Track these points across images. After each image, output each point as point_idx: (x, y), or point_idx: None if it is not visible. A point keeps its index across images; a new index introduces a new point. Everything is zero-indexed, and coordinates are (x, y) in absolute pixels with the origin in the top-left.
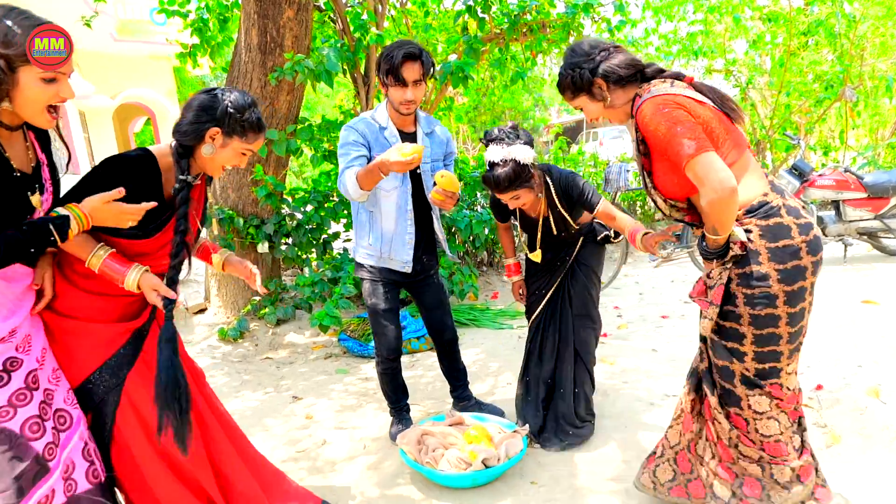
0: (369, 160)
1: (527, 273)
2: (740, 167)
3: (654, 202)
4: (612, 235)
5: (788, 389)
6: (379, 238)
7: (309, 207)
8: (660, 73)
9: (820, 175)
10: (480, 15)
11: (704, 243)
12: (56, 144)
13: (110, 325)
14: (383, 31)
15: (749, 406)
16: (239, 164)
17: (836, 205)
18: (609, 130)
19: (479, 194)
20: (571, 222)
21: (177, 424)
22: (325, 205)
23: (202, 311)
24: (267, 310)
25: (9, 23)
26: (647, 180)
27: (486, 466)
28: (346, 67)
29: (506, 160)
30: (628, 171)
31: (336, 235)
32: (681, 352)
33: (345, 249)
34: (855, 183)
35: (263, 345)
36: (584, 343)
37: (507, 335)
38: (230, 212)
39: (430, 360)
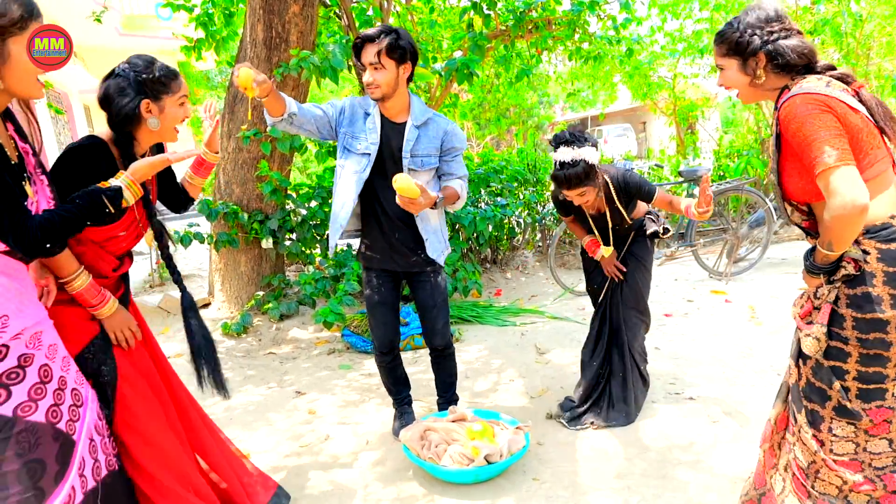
0: (345, 145)
1: (583, 257)
2: (877, 185)
3: (780, 202)
4: (661, 231)
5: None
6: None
7: (313, 203)
8: (829, 70)
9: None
10: (486, 12)
11: (812, 257)
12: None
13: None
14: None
15: (830, 429)
16: (185, 115)
17: None
18: (613, 128)
19: (482, 191)
20: (626, 216)
21: (215, 376)
22: (330, 201)
23: (206, 305)
24: (270, 305)
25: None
26: (775, 178)
27: (489, 462)
28: (351, 63)
29: (575, 161)
30: (631, 169)
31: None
32: (683, 350)
33: (349, 245)
34: None
35: (267, 340)
36: (634, 334)
37: (511, 332)
38: (234, 207)
39: None
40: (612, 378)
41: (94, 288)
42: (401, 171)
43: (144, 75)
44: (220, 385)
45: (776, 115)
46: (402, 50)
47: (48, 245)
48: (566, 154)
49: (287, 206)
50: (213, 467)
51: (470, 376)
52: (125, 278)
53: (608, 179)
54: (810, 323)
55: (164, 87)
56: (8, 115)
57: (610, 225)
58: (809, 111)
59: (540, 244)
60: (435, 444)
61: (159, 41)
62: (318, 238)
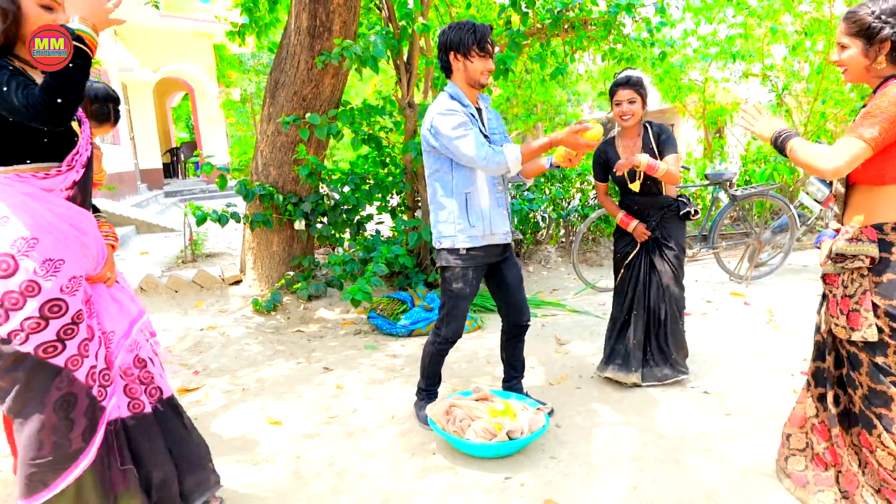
0: None
1: (616, 234)
2: None
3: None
4: (692, 213)
5: None
6: (479, 217)
7: (346, 189)
8: None
9: None
10: (524, 10)
11: (783, 138)
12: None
13: None
14: (431, 18)
15: None
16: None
17: None
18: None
19: (510, 185)
20: (658, 167)
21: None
22: (362, 187)
23: (237, 282)
24: (300, 285)
25: None
26: None
27: (511, 438)
28: (389, 54)
29: (636, 75)
30: None
31: (370, 217)
32: (700, 348)
33: (377, 231)
34: None
35: (295, 318)
36: (676, 299)
37: (532, 323)
38: (271, 188)
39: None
40: (654, 325)
41: None
42: None
43: None
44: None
45: (877, 93)
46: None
47: (59, 100)
48: (630, 72)
49: (321, 190)
50: None
51: (492, 362)
52: None
53: (648, 124)
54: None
55: None
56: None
57: (639, 178)
58: (895, 98)
59: (563, 240)
60: (459, 419)
61: (197, 23)
62: (349, 222)
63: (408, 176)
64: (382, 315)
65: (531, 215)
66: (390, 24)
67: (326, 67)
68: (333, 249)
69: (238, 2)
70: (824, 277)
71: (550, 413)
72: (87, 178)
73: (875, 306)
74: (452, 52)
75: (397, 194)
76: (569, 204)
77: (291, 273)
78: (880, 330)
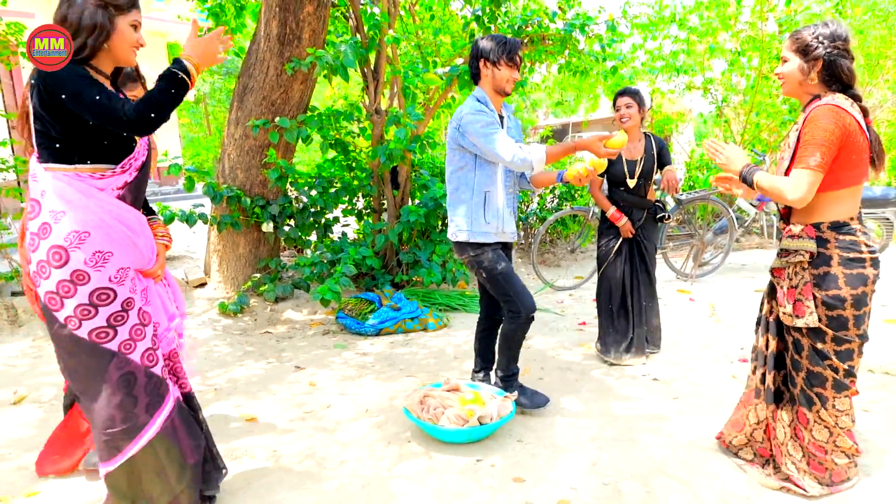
0: None
1: (600, 230)
2: (850, 193)
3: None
4: (666, 216)
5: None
6: (495, 215)
7: (313, 192)
8: (857, 99)
9: None
10: (487, 24)
11: (752, 175)
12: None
13: None
14: (396, 29)
15: (834, 406)
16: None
17: None
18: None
19: None
20: (651, 182)
21: None
22: (329, 190)
23: (202, 285)
24: (267, 287)
25: None
26: (785, 165)
27: (481, 424)
28: (357, 63)
29: (634, 87)
30: None
31: (336, 220)
32: None
33: (343, 234)
34: None
35: (262, 320)
36: (651, 290)
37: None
38: (238, 191)
39: (423, 339)
40: (643, 313)
41: None
42: None
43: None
44: None
45: (806, 114)
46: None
47: (152, 115)
48: (630, 86)
49: (289, 193)
50: None
51: (459, 357)
52: None
53: (650, 136)
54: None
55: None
56: (116, 81)
57: (638, 171)
58: (828, 120)
59: (522, 242)
60: (433, 408)
61: (151, 22)
62: (316, 225)
63: (375, 180)
64: (351, 315)
65: None
66: (358, 34)
67: (296, 74)
68: (300, 252)
69: (205, 7)
70: (772, 271)
71: (517, 401)
72: (140, 180)
73: (814, 297)
74: (483, 60)
75: (363, 197)
76: (528, 207)
77: (258, 275)
78: (819, 318)
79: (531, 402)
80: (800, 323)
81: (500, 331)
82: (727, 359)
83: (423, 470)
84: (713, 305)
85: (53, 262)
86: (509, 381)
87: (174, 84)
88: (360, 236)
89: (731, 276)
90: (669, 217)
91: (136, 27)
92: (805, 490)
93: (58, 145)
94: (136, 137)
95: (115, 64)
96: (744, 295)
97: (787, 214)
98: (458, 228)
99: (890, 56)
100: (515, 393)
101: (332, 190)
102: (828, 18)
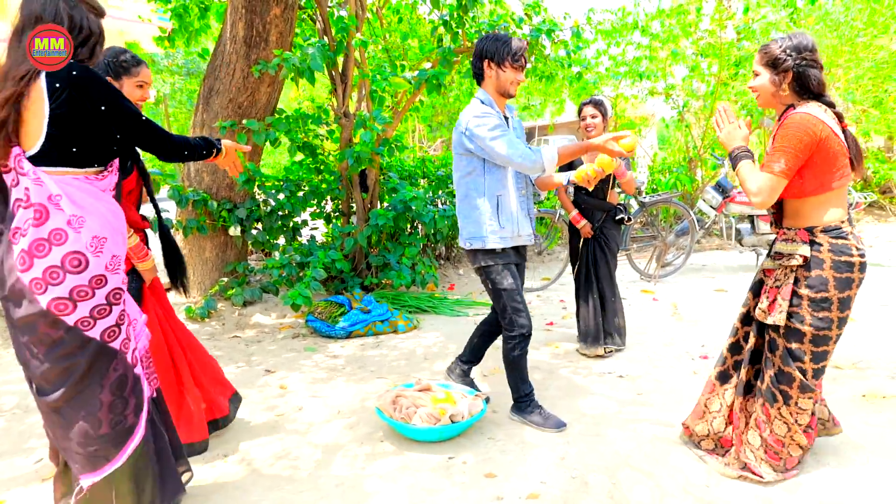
0: None
1: (570, 230)
2: (836, 196)
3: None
4: (626, 218)
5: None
6: (508, 219)
7: (281, 195)
8: (830, 105)
9: (739, 192)
10: (455, 29)
11: (736, 163)
12: None
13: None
14: (364, 32)
15: (797, 404)
16: (144, 96)
17: (751, 219)
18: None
19: (441, 192)
20: (610, 185)
21: (182, 281)
22: (297, 193)
23: (168, 290)
24: (234, 291)
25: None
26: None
27: (453, 422)
28: (325, 65)
29: (599, 98)
30: None
31: (304, 223)
32: None
33: (312, 237)
34: None
35: (231, 324)
36: (612, 289)
37: (464, 322)
38: (204, 194)
39: (393, 341)
40: (605, 307)
41: (140, 245)
42: None
43: (111, 59)
44: (185, 286)
45: (779, 122)
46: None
47: (185, 153)
48: (596, 96)
49: (257, 196)
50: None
51: (429, 358)
52: (145, 235)
53: None
54: (773, 303)
55: (123, 70)
56: None
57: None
58: (798, 128)
59: None
60: (405, 408)
61: (110, 20)
62: (285, 228)
63: (343, 183)
64: (321, 318)
65: None
66: (325, 37)
67: (263, 76)
68: (267, 255)
69: (168, 8)
70: (764, 271)
71: (487, 400)
72: (120, 181)
73: (799, 296)
74: (487, 61)
75: (332, 201)
76: None
77: (226, 279)
78: (790, 316)
79: (545, 422)
80: (770, 320)
81: (502, 352)
82: (689, 356)
83: (397, 468)
84: (675, 305)
85: (70, 268)
86: (521, 403)
87: (206, 148)
88: (329, 240)
89: (693, 276)
90: (630, 219)
91: (142, 87)
92: (761, 476)
93: (74, 150)
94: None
95: None
96: (704, 294)
97: (778, 218)
98: (472, 236)
99: (840, 64)
100: (486, 392)
101: (301, 193)
102: (795, 31)
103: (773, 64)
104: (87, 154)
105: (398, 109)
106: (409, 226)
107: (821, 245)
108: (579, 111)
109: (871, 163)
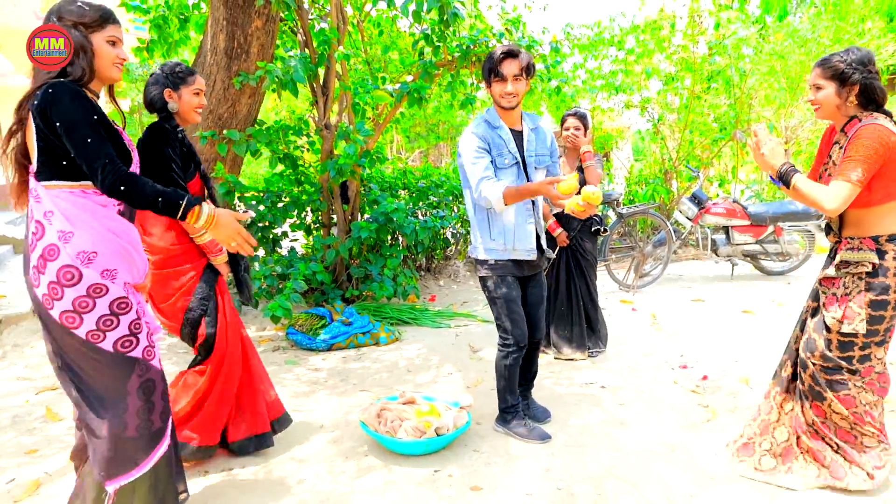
0: (492, 161)
1: (547, 238)
2: None
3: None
4: (602, 229)
5: (876, 372)
6: (501, 232)
7: (262, 207)
8: (889, 114)
9: (714, 203)
10: (436, 43)
11: (792, 178)
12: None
13: (196, 261)
14: (345, 45)
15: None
16: (201, 103)
17: (726, 230)
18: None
19: (422, 203)
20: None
21: (247, 291)
22: (277, 205)
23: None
24: None
25: (78, 2)
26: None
27: (438, 435)
28: (306, 77)
29: (582, 111)
30: None
31: (284, 234)
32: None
33: (292, 248)
34: (741, 212)
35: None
36: (590, 297)
37: (446, 333)
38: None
39: (375, 353)
40: (582, 313)
41: (213, 242)
42: (527, 172)
43: (168, 71)
44: (251, 296)
45: (844, 133)
46: (533, 68)
47: (122, 190)
48: (579, 108)
49: (237, 208)
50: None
51: (412, 370)
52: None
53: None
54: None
55: (181, 80)
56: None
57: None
58: (873, 138)
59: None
60: (390, 421)
61: None
62: (265, 239)
63: (324, 194)
64: (301, 331)
65: (441, 232)
66: (307, 49)
67: (243, 88)
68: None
69: (148, 18)
70: (821, 280)
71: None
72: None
73: (863, 300)
74: (485, 80)
75: (312, 212)
76: None
77: None
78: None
79: (529, 434)
80: (847, 328)
81: (494, 361)
82: (668, 365)
83: (383, 483)
84: (654, 315)
85: (65, 282)
86: (507, 415)
87: (167, 203)
88: (310, 251)
89: (670, 286)
90: (606, 230)
91: (114, 43)
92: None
93: (64, 163)
94: (133, 156)
95: (102, 83)
96: (682, 304)
97: (838, 227)
98: (473, 245)
99: (807, 79)
100: (471, 404)
101: (281, 204)
102: (852, 46)
103: (840, 77)
104: (77, 167)
105: (379, 122)
106: (389, 237)
107: (886, 253)
108: (562, 121)
109: None
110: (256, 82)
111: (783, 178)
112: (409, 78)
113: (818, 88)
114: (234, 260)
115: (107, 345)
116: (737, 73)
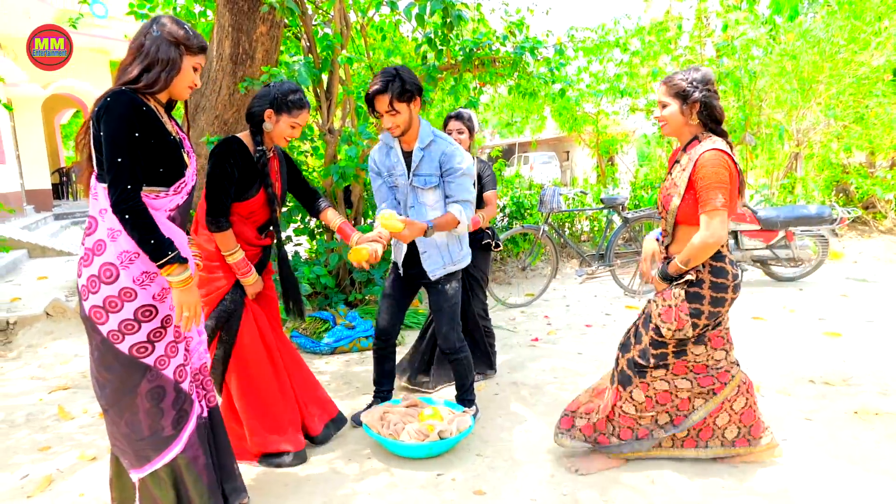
0: (386, 181)
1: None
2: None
3: (668, 220)
4: (493, 244)
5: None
6: (395, 241)
7: None
8: (723, 134)
9: None
10: (439, 47)
11: (667, 269)
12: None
13: (229, 275)
14: (348, 50)
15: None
16: (293, 135)
17: (734, 235)
18: (539, 156)
19: None
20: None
21: (297, 307)
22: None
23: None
24: None
25: (187, 28)
26: (677, 202)
27: (441, 438)
28: (310, 82)
29: (466, 112)
30: (561, 194)
31: (288, 239)
32: (602, 355)
33: (296, 252)
34: (751, 217)
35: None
36: (477, 314)
37: None
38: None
39: None
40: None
41: (244, 262)
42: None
43: (280, 95)
44: (301, 312)
45: (688, 156)
46: (410, 92)
47: (126, 217)
48: (462, 109)
49: None
50: (295, 393)
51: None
52: (267, 251)
53: (479, 160)
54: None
55: (287, 108)
56: (167, 109)
57: None
58: (719, 164)
59: None
60: (393, 424)
61: (93, 39)
62: None
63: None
64: (305, 334)
65: None
66: (310, 54)
67: (249, 93)
68: None
69: (136, 14)
70: (657, 293)
71: (475, 415)
72: (189, 203)
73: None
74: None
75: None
76: None
77: None
78: (694, 326)
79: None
80: (679, 335)
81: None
82: None
83: (385, 486)
84: None
85: (104, 279)
86: (470, 398)
87: (155, 249)
88: (314, 255)
89: None
90: (498, 245)
91: (196, 70)
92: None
93: None
94: (188, 163)
95: (170, 97)
96: None
97: (668, 245)
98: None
99: (821, 80)
100: (474, 408)
101: (285, 209)
102: (694, 65)
103: (683, 95)
104: None
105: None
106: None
107: (703, 267)
108: (445, 124)
109: (853, 178)
110: (261, 87)
111: (671, 273)
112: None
113: (664, 105)
114: (287, 289)
115: (123, 347)
116: (746, 74)
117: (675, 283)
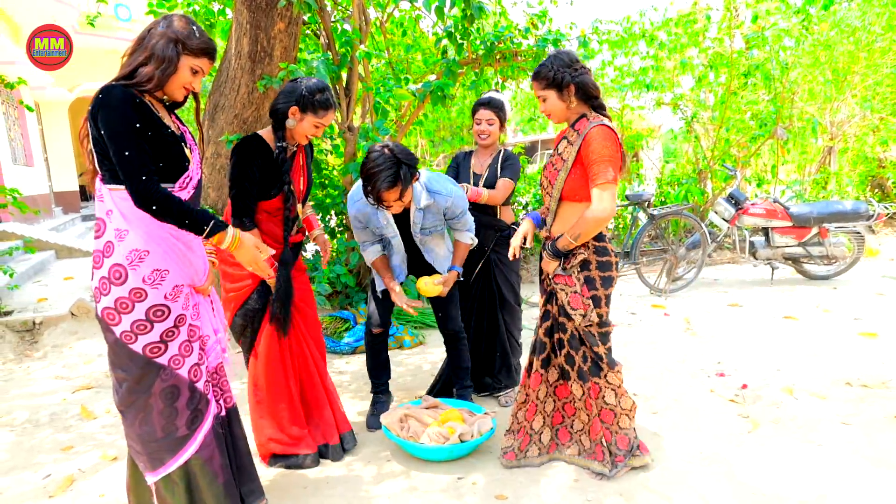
0: (374, 232)
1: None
2: None
3: (554, 197)
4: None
5: None
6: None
7: None
8: (601, 108)
9: (753, 204)
10: (459, 41)
11: (556, 244)
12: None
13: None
14: (367, 46)
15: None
16: (316, 134)
17: (765, 232)
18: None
19: None
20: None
21: (280, 318)
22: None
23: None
24: None
25: (194, 28)
26: (563, 177)
27: (462, 441)
28: (329, 79)
29: (498, 98)
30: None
31: (307, 239)
32: (628, 355)
33: (317, 252)
34: (782, 213)
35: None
36: (512, 314)
37: None
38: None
39: (399, 357)
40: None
41: (269, 261)
42: (408, 236)
43: (306, 93)
44: (282, 328)
45: (576, 133)
46: (407, 182)
47: (153, 209)
48: (493, 94)
49: None
50: (310, 402)
51: (435, 374)
52: (298, 248)
53: (503, 150)
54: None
55: (312, 108)
56: (171, 108)
57: (481, 185)
58: (607, 138)
59: None
60: (413, 426)
61: (117, 42)
62: None
63: (348, 197)
64: (325, 334)
65: None
66: (329, 51)
67: (267, 91)
68: None
69: (155, 13)
70: (555, 278)
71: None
72: (196, 197)
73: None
74: None
75: (336, 215)
76: None
77: None
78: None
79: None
80: (585, 322)
81: None
82: (704, 372)
83: (404, 489)
84: (688, 320)
85: (114, 280)
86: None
87: (194, 223)
88: (334, 254)
89: (705, 290)
90: (528, 244)
91: (195, 72)
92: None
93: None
94: (189, 157)
95: (166, 97)
96: (718, 309)
97: (551, 224)
98: None
99: (857, 71)
100: (496, 411)
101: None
102: (552, 50)
103: (554, 84)
104: None
105: (402, 123)
106: None
107: (585, 246)
108: (473, 111)
109: (890, 172)
110: (280, 85)
111: (560, 248)
112: (433, 77)
113: (544, 100)
114: (277, 294)
115: (137, 347)
116: (777, 66)
117: (564, 260)
